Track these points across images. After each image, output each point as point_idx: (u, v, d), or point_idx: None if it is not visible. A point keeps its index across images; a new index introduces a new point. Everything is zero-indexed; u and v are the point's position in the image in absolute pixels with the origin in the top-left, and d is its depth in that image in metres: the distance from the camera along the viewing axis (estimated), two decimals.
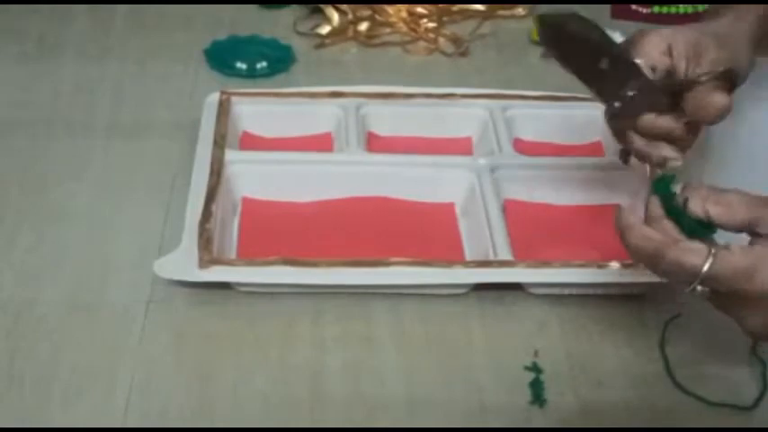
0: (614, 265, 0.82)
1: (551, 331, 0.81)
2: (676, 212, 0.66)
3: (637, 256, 0.66)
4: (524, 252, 0.84)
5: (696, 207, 0.65)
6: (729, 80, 0.73)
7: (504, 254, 0.83)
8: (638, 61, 0.73)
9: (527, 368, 0.77)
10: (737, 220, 0.64)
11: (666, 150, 0.73)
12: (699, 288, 0.63)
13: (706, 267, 0.62)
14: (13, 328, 0.78)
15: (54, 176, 0.93)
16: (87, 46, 1.13)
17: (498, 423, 0.74)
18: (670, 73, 0.74)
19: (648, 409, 0.75)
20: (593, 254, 0.85)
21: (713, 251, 0.62)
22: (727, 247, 0.63)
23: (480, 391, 0.76)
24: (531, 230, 0.89)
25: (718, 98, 0.72)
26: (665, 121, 0.73)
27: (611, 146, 0.99)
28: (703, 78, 0.72)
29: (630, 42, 0.75)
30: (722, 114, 0.72)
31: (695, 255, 0.62)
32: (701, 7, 1.26)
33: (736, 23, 0.76)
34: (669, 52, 0.74)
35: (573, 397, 0.76)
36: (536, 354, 0.78)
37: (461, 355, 0.79)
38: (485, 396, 0.75)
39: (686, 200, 0.66)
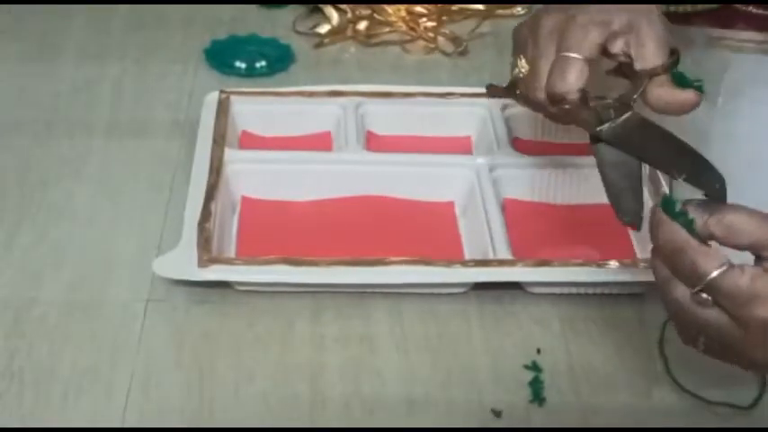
0: (613, 264, 0.82)
1: (551, 330, 0.81)
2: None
3: (663, 248, 0.64)
4: (524, 251, 0.84)
5: (699, 230, 0.63)
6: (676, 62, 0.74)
7: (504, 253, 0.83)
8: (573, 55, 0.73)
9: (526, 367, 0.77)
10: (743, 244, 0.63)
11: None
12: (703, 296, 0.62)
13: (714, 274, 0.61)
14: (12, 327, 0.78)
15: (53, 175, 0.93)
16: (87, 45, 1.13)
17: (498, 422, 0.74)
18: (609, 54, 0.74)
19: (647, 409, 0.76)
20: (592, 253, 0.85)
21: (728, 265, 0.61)
22: (741, 267, 0.61)
23: (480, 391, 0.76)
24: (531, 229, 0.89)
25: (687, 96, 0.73)
26: None
27: None
28: (660, 70, 0.73)
29: (562, 31, 0.74)
30: (692, 110, 0.73)
31: (711, 260, 0.61)
32: (699, 7, 1.26)
33: None
34: (605, 43, 0.74)
35: (572, 396, 0.76)
36: (539, 352, 0.79)
37: (461, 354, 0.79)
38: (484, 395, 0.75)
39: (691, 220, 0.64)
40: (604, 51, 0.75)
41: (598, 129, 0.73)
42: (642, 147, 0.72)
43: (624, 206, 0.73)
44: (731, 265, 0.61)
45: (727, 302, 0.61)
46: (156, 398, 0.74)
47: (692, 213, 0.64)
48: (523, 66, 0.77)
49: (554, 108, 0.75)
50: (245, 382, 0.75)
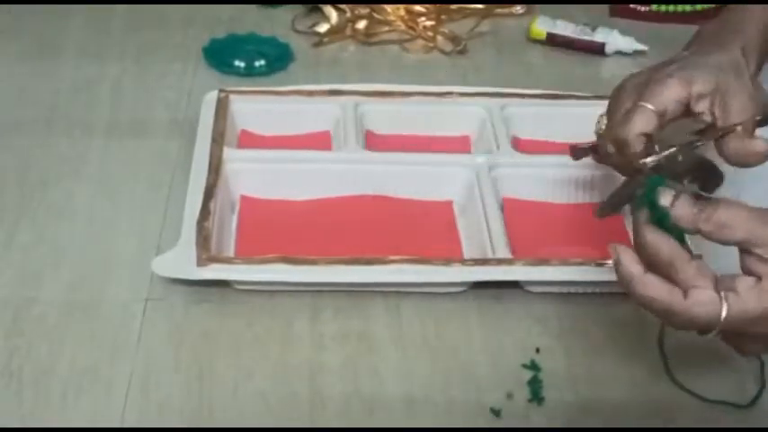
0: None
1: (549, 329, 0.81)
2: (666, 227, 0.64)
3: (646, 308, 0.64)
4: (523, 250, 0.84)
5: (687, 226, 0.63)
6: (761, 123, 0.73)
7: (503, 252, 0.83)
8: (649, 106, 0.72)
9: (525, 366, 0.77)
10: (732, 241, 0.63)
11: None
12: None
13: (722, 318, 0.61)
14: (11, 327, 0.78)
15: (53, 175, 0.93)
16: (86, 45, 1.13)
17: (497, 421, 0.74)
18: (696, 119, 0.73)
19: (647, 408, 0.76)
20: (591, 252, 0.85)
21: (725, 299, 0.61)
22: (734, 289, 0.61)
23: (479, 390, 0.76)
24: (530, 228, 0.89)
25: (759, 145, 0.72)
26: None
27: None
28: (739, 129, 0.71)
29: (645, 85, 0.73)
30: (765, 160, 0.72)
31: (708, 307, 0.61)
32: (698, 7, 1.26)
33: (746, 55, 0.75)
34: (687, 100, 0.73)
35: (571, 395, 0.76)
36: (538, 351, 0.79)
37: (460, 354, 0.79)
38: (483, 394, 0.75)
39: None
40: (688, 110, 0.74)
41: (642, 161, 0.71)
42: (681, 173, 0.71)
43: None
44: (727, 294, 0.61)
45: (739, 330, 0.62)
46: (155, 397, 0.74)
47: (679, 209, 0.63)
48: (603, 122, 0.77)
49: (620, 158, 0.74)
50: (245, 381, 0.75)
